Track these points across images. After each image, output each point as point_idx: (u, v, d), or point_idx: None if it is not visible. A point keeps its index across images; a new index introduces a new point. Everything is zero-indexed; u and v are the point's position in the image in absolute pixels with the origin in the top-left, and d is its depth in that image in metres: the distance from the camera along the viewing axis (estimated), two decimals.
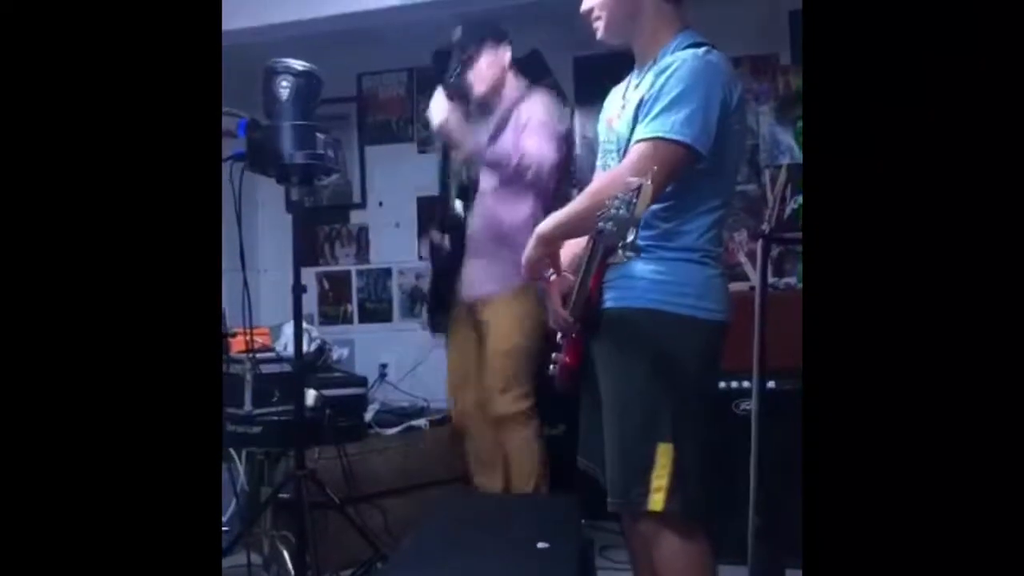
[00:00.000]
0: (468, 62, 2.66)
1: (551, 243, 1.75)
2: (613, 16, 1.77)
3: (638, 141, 1.64)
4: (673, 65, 1.65)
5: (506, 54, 2.69)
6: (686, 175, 1.65)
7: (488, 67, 2.67)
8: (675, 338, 1.68)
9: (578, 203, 1.73)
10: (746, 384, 2.45)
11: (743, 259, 3.34)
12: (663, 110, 1.62)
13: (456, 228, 2.76)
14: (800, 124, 3.43)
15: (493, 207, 2.66)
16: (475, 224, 2.71)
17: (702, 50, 1.68)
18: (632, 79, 1.84)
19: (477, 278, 2.70)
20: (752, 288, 2.06)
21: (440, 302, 2.83)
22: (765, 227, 2.11)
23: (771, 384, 2.40)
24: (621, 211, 1.40)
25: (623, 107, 1.79)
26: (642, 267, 1.69)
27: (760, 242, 2.04)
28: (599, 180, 1.74)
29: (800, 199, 3.35)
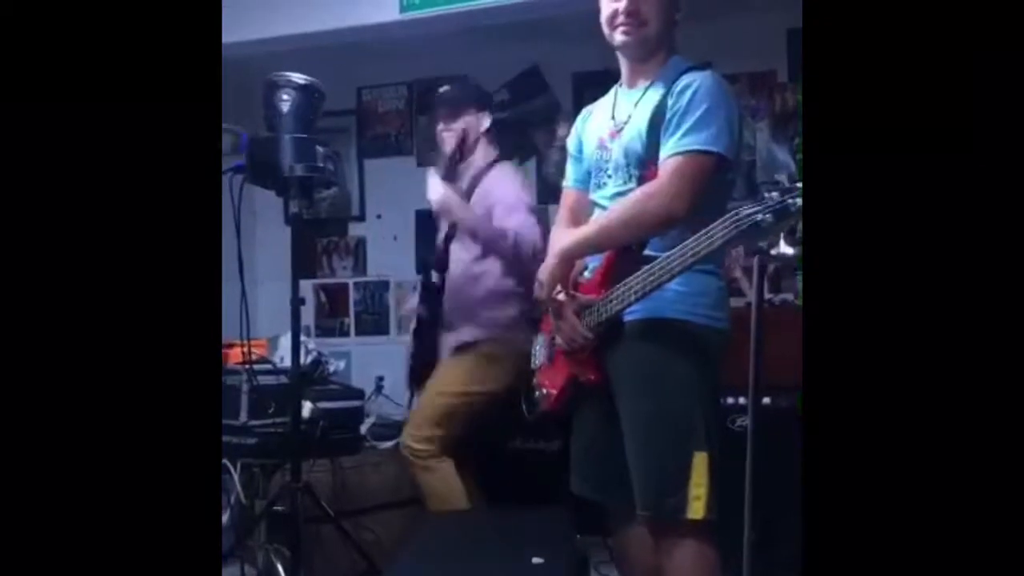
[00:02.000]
0: (447, 119, 2.71)
1: (572, 261, 1.78)
2: (654, 32, 1.78)
3: (674, 154, 1.68)
4: (694, 84, 1.71)
5: (485, 121, 2.72)
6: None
7: (463, 129, 2.70)
8: (702, 348, 1.72)
9: (614, 218, 1.75)
10: (741, 400, 2.45)
11: (739, 275, 3.34)
12: (695, 125, 1.68)
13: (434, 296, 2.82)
14: (797, 141, 3.44)
15: (464, 277, 2.69)
16: (447, 294, 2.74)
17: (709, 71, 1.75)
18: (620, 97, 1.86)
19: (445, 343, 2.74)
20: (748, 304, 2.06)
21: (421, 362, 2.84)
22: (762, 243, 2.11)
23: (766, 400, 2.41)
24: (783, 201, 1.43)
25: (620, 126, 1.81)
26: None
27: (756, 258, 2.04)
28: (635, 193, 1.74)
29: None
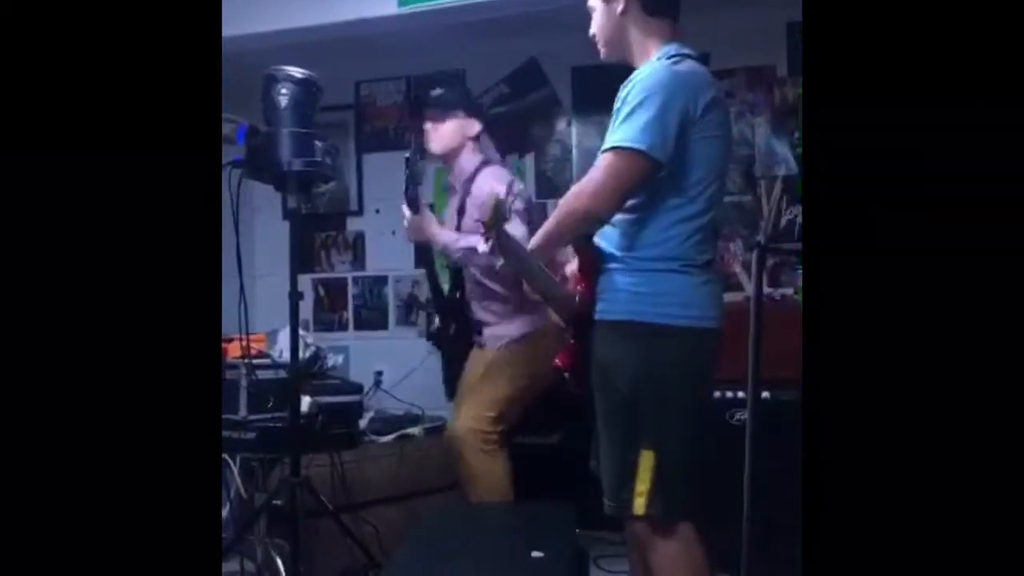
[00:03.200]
0: (435, 119, 2.74)
1: (541, 257, 1.82)
2: (606, 39, 1.85)
3: (604, 151, 1.71)
4: (638, 76, 1.72)
5: (474, 127, 2.74)
6: (649, 183, 1.70)
7: (451, 133, 2.73)
8: (656, 347, 1.72)
9: (554, 216, 1.80)
10: (740, 394, 2.45)
11: (738, 269, 3.35)
12: (624, 119, 1.68)
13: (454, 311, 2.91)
14: (796, 135, 3.44)
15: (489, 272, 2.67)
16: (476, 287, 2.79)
17: (670, 60, 1.73)
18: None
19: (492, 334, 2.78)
20: (747, 298, 2.07)
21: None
22: (760, 238, 2.12)
23: (765, 394, 2.40)
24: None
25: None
26: (622, 279, 1.75)
27: (755, 252, 2.05)
28: (568, 192, 1.80)
29: (795, 210, 3.36)
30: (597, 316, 1.79)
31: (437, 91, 2.81)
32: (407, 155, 2.67)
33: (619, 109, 1.71)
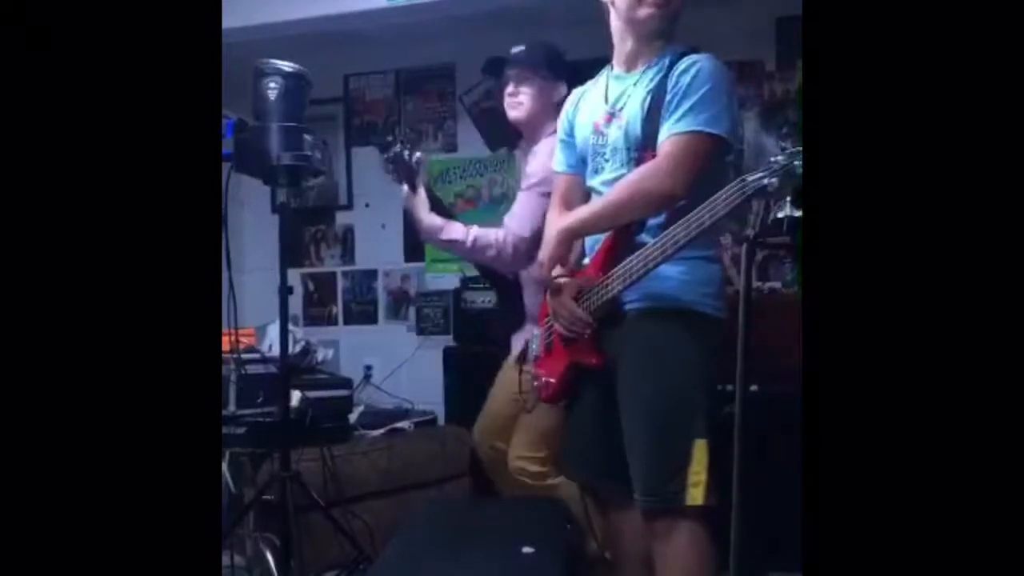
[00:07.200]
0: (517, 82, 2.45)
1: (571, 242, 1.78)
2: (676, 7, 1.79)
3: (674, 135, 1.69)
4: (696, 66, 1.72)
5: (561, 90, 2.39)
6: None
7: (531, 99, 2.44)
8: (705, 336, 1.73)
9: (614, 197, 1.74)
10: (729, 387, 2.46)
11: (727, 263, 3.36)
12: (695, 106, 1.69)
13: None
14: (785, 130, 3.45)
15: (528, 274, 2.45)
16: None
17: (709, 54, 1.76)
18: (612, 81, 1.86)
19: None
20: (736, 292, 2.07)
21: None
22: (750, 232, 2.12)
23: (754, 388, 2.41)
24: (788, 164, 1.46)
25: (615, 110, 1.80)
26: (667, 266, 1.71)
27: (744, 246, 2.05)
28: (635, 173, 1.74)
29: (785, 204, 3.37)
30: (636, 304, 1.76)
31: (519, 48, 2.48)
32: (395, 143, 2.41)
33: (680, 96, 1.69)
